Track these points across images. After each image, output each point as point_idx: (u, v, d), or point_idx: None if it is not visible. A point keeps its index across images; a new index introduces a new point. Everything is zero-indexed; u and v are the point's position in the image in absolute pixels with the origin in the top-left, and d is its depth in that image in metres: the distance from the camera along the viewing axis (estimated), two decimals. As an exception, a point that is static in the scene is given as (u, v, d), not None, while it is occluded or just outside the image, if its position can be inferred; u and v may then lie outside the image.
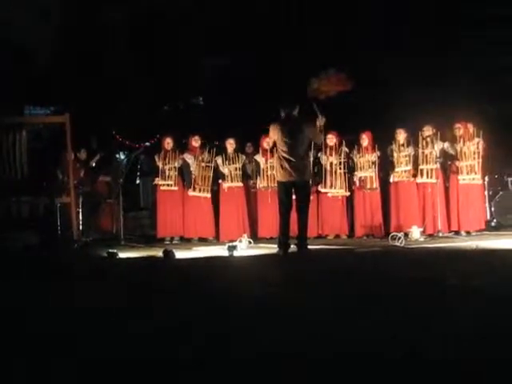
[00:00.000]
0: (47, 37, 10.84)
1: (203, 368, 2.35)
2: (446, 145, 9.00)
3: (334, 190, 9.27)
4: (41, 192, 8.57)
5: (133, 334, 2.96)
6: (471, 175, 8.88)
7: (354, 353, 2.49)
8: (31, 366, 2.47)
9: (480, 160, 8.87)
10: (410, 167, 8.98)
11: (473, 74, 11.11)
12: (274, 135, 7.14)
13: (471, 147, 8.86)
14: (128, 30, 12.20)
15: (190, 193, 9.32)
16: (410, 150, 9.01)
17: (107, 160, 10.84)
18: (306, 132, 7.04)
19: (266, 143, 8.94)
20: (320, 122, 7.17)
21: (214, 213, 9.50)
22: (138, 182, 13.01)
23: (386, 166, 9.22)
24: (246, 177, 9.53)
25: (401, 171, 9.01)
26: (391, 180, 9.14)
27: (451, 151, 8.99)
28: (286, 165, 6.98)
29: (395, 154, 9.04)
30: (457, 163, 8.93)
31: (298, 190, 7.11)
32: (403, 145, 9.07)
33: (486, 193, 9.57)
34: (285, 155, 6.99)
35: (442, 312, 3.19)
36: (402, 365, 2.31)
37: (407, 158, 9.01)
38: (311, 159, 7.82)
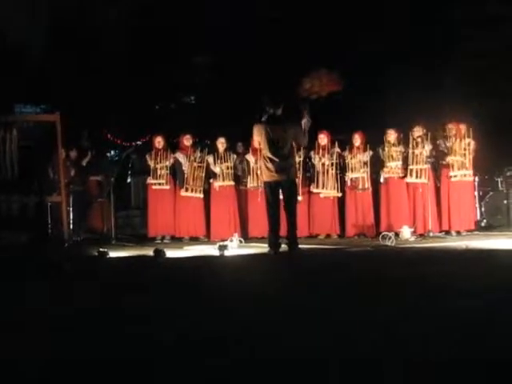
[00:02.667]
0: (38, 35, 10.79)
1: (203, 368, 2.35)
2: (439, 142, 9.05)
3: (326, 190, 9.30)
4: (31, 191, 8.53)
5: (128, 334, 2.96)
6: (462, 171, 8.92)
7: (350, 351, 2.50)
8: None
9: (470, 157, 8.92)
10: (400, 162, 9.02)
11: (463, 74, 11.15)
12: (258, 135, 7.14)
13: (461, 144, 8.91)
14: (119, 30, 12.17)
15: (182, 193, 9.32)
16: (402, 148, 9.05)
17: (98, 159, 10.80)
18: (289, 132, 7.04)
19: (257, 143, 8.93)
20: (306, 123, 7.10)
21: (205, 212, 9.51)
22: (129, 180, 12.97)
23: (377, 167, 9.26)
24: (237, 177, 9.54)
25: (391, 166, 9.04)
26: (382, 178, 9.17)
27: (442, 147, 9.02)
28: (271, 165, 6.98)
29: (386, 149, 9.07)
30: (447, 158, 8.95)
31: (284, 190, 7.11)
32: (394, 144, 9.11)
33: (476, 193, 9.61)
34: (269, 155, 7.00)
35: (432, 311, 3.21)
36: (395, 364, 2.32)
37: (399, 154, 9.05)
38: (296, 158, 7.82)
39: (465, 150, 8.90)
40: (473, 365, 2.27)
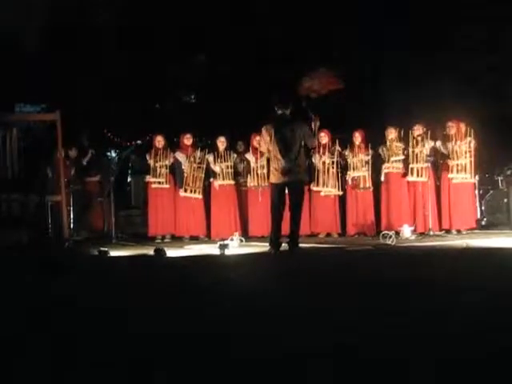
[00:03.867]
0: (38, 34, 10.79)
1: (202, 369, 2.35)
2: (438, 143, 9.04)
3: (327, 188, 9.30)
4: (31, 190, 8.54)
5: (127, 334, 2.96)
6: (462, 174, 8.92)
7: (350, 352, 2.50)
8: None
9: (472, 159, 8.91)
10: (402, 157, 9.01)
11: (462, 73, 11.15)
12: (266, 136, 7.10)
13: (463, 146, 8.90)
14: (119, 29, 12.17)
15: (181, 193, 9.31)
16: (402, 145, 9.05)
17: (98, 158, 10.80)
18: (298, 132, 7.01)
19: (257, 142, 8.96)
20: (315, 123, 7.12)
21: (205, 211, 9.51)
22: (129, 180, 12.97)
23: (377, 165, 9.26)
24: (237, 175, 9.54)
25: (391, 161, 9.04)
26: (382, 175, 9.17)
27: (443, 150, 9.02)
28: (280, 166, 6.95)
29: (387, 145, 9.08)
30: (449, 162, 8.96)
31: (292, 190, 7.06)
32: (395, 141, 9.11)
33: (476, 192, 9.61)
34: (278, 156, 6.97)
35: (431, 310, 3.21)
36: (392, 365, 2.32)
37: (400, 149, 9.04)
38: (305, 158, 7.83)
39: (466, 152, 8.89)
40: (473, 364, 2.27)
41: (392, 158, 9.06)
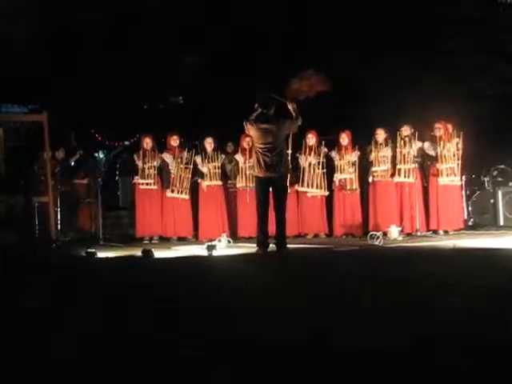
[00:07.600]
0: (24, 34, 10.73)
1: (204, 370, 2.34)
2: (427, 145, 9.06)
3: (313, 189, 9.31)
4: (18, 191, 8.47)
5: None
6: (451, 177, 8.96)
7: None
8: None
9: (459, 162, 8.95)
10: (387, 166, 9.03)
11: (449, 74, 11.20)
12: (249, 132, 7.18)
13: (451, 149, 8.93)
14: (107, 29, 12.13)
15: (168, 194, 9.31)
16: (388, 152, 9.05)
17: (86, 159, 10.75)
18: (282, 128, 7.09)
19: (246, 143, 9.01)
20: (292, 106, 7.13)
21: (193, 212, 9.50)
22: (116, 180, 12.93)
23: (365, 166, 9.27)
24: (225, 176, 9.53)
25: (379, 171, 9.07)
26: (370, 180, 9.20)
27: (431, 152, 9.05)
28: (263, 160, 7.01)
29: (373, 154, 9.10)
30: (437, 165, 8.99)
31: (275, 185, 7.13)
32: (381, 144, 9.13)
33: (463, 192, 9.66)
34: (262, 151, 7.02)
35: (419, 311, 3.22)
36: (381, 366, 2.33)
37: (385, 159, 9.07)
38: (289, 151, 7.88)
39: (454, 155, 8.92)
40: (470, 364, 2.28)
41: (376, 168, 9.04)
